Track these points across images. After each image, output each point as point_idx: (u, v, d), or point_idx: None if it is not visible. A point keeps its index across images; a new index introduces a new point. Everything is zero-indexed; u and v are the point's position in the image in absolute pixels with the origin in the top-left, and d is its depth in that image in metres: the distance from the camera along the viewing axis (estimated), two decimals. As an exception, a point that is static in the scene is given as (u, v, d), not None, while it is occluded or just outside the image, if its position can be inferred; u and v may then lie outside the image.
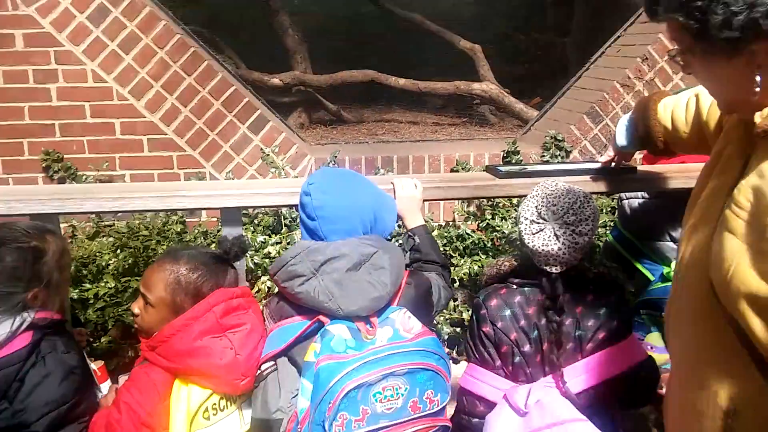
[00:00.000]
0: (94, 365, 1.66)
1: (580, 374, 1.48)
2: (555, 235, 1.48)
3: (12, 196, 1.66)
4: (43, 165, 3.20)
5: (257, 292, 2.67)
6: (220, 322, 1.47)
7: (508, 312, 1.50)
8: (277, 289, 1.56)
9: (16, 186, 3.07)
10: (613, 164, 1.91)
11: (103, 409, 1.57)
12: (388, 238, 1.70)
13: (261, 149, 3.38)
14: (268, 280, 2.61)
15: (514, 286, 1.54)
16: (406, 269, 1.59)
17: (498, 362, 1.52)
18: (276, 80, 5.20)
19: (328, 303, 1.41)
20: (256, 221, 3.12)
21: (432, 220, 3.32)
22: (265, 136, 3.40)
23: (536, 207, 1.53)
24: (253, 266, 2.74)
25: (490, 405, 1.50)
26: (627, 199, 2.15)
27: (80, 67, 3.14)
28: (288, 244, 2.89)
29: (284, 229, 3.05)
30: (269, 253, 2.82)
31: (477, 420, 1.53)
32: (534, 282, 1.52)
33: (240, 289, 1.60)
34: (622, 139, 1.77)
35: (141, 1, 3.16)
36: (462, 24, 6.20)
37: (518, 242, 1.63)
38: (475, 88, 5.29)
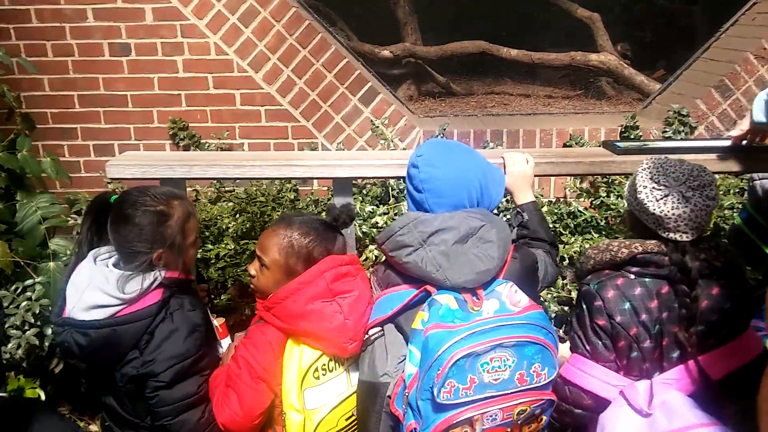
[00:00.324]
0: (216, 322, 1.77)
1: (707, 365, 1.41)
2: (683, 197, 1.40)
3: (145, 161, 1.80)
4: (170, 132, 3.42)
5: (365, 260, 2.74)
6: (330, 287, 1.53)
7: (627, 305, 1.43)
8: (384, 258, 1.60)
9: (148, 152, 3.30)
10: (744, 141, 1.78)
11: (221, 366, 1.69)
12: (495, 212, 1.68)
13: (371, 121, 3.43)
14: (376, 248, 2.67)
15: (632, 276, 1.45)
16: (512, 244, 1.58)
17: (612, 356, 1.46)
18: (386, 52, 5.22)
19: (435, 273, 1.44)
20: (364, 191, 3.19)
21: (542, 195, 3.25)
22: (375, 108, 3.44)
23: (651, 177, 1.45)
24: (361, 235, 2.80)
25: (600, 400, 1.46)
26: (759, 179, 2.00)
27: (204, 40, 3.31)
28: (395, 214, 2.94)
29: (392, 200, 3.10)
30: (377, 222, 2.87)
31: (580, 411, 1.50)
32: (657, 273, 1.43)
33: (348, 256, 1.65)
34: (760, 115, 1.64)
35: (260, -25, 3.27)
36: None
37: (633, 218, 1.54)
38: (592, 59, 5.05)
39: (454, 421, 1.35)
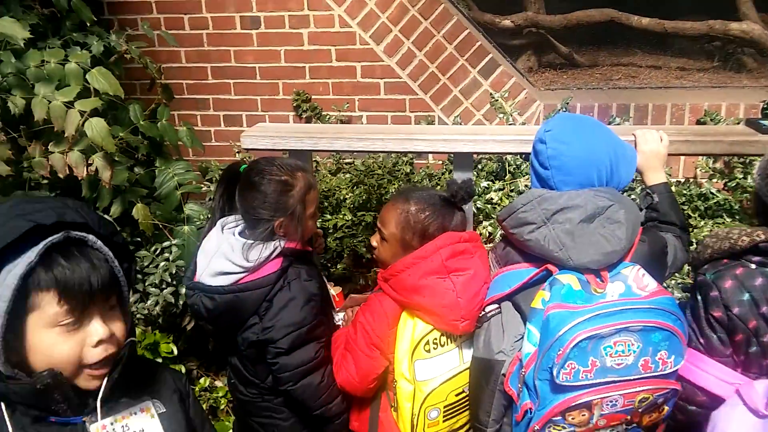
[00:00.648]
0: (333, 291, 1.85)
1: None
2: None
3: (276, 133, 1.89)
4: (294, 105, 3.54)
5: (479, 235, 2.74)
6: (445, 264, 1.54)
7: (746, 296, 1.33)
8: (499, 235, 1.59)
9: (278, 124, 3.45)
10: None
11: (343, 328, 1.76)
12: (622, 191, 1.61)
13: (490, 94, 3.38)
14: (490, 225, 2.65)
15: (753, 266, 1.35)
16: (641, 226, 1.52)
17: (728, 351, 1.38)
18: (507, 22, 5.07)
19: (558, 252, 1.40)
20: (480, 166, 3.16)
21: (670, 175, 3.07)
22: (494, 80, 3.38)
23: None
24: (475, 211, 2.79)
25: (714, 397, 1.38)
26: None
27: (328, 12, 3.38)
28: (511, 191, 2.89)
29: (508, 175, 3.05)
30: (491, 198, 2.84)
31: (694, 408, 1.43)
32: None
33: (468, 233, 1.64)
34: None
35: (385, -54, 3.28)
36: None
37: (760, 203, 1.43)
38: (733, 29, 4.65)
39: (573, 404, 1.33)
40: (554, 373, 1.31)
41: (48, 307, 0.95)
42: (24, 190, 2.26)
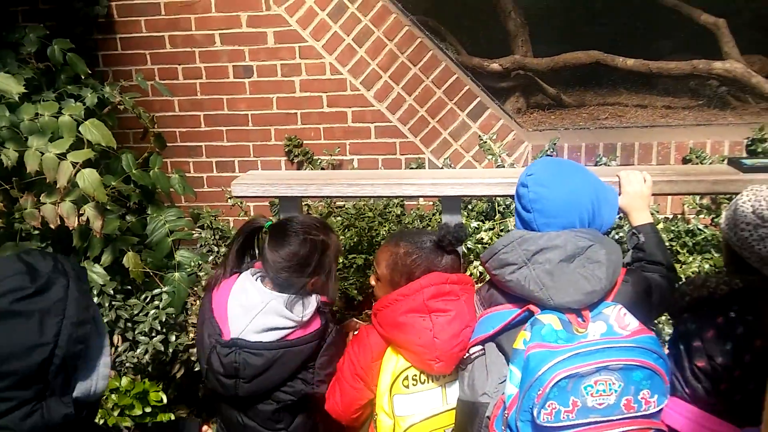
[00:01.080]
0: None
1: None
2: None
3: (266, 180, 1.92)
4: (286, 150, 3.59)
5: (469, 276, 2.74)
6: (426, 303, 1.56)
7: (729, 346, 1.34)
8: (488, 277, 1.61)
9: (268, 171, 3.49)
10: None
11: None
12: (608, 231, 1.63)
13: (479, 136, 3.43)
14: (480, 265, 2.67)
15: (733, 314, 1.37)
16: (625, 267, 1.53)
17: (713, 400, 1.37)
18: (495, 65, 5.18)
19: (538, 292, 1.42)
20: (470, 207, 3.19)
21: (657, 212, 3.10)
22: (483, 123, 3.44)
23: (755, 211, 1.36)
24: (465, 251, 2.81)
25: None
26: None
27: (320, 60, 3.45)
28: (501, 230, 2.91)
29: (498, 215, 3.08)
30: (482, 239, 2.86)
31: None
32: (759, 310, 1.34)
33: (457, 276, 1.66)
34: None
35: (374, -5, 3.37)
36: (703, -4, 5.59)
37: (731, 253, 1.45)
38: (716, 68, 4.75)
39: None
40: (535, 413, 1.31)
41: None
42: (15, 242, 2.27)
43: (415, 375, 1.59)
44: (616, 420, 1.33)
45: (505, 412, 1.40)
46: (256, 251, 1.80)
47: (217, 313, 1.66)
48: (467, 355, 1.54)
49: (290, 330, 1.62)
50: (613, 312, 1.41)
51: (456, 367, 1.59)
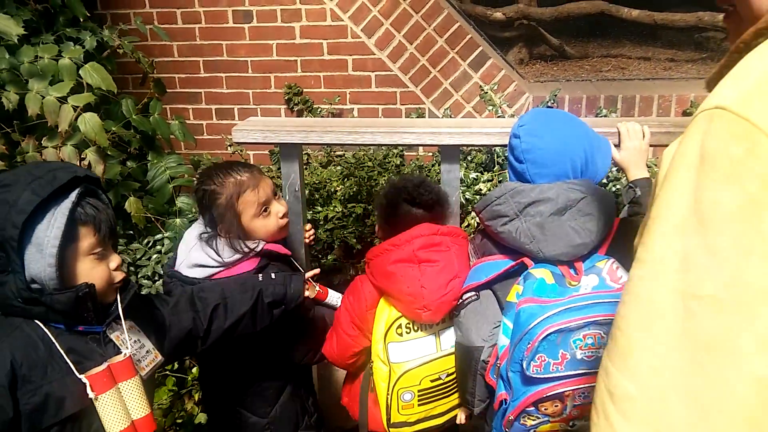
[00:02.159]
0: (317, 287, 1.85)
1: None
2: None
3: (266, 127, 1.92)
4: (285, 98, 3.57)
5: (466, 226, 2.77)
6: (415, 253, 1.59)
7: None
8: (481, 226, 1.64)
9: (269, 118, 3.46)
10: None
11: None
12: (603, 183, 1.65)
13: (480, 87, 3.41)
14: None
15: None
16: (618, 218, 1.56)
17: None
18: (499, 14, 5.10)
19: (529, 245, 1.44)
20: (469, 158, 3.20)
21: (655, 165, 3.12)
22: (484, 73, 3.42)
23: None
24: (464, 201, 2.83)
25: None
26: None
27: (320, 6, 3.40)
28: (499, 182, 2.93)
29: (496, 167, 3.09)
30: (480, 189, 2.88)
31: None
32: None
33: (448, 228, 1.69)
34: None
35: (376, -60, 3.30)
36: (713, -55, 5.46)
37: None
38: (721, 20, 4.69)
39: (544, 395, 1.38)
40: (524, 365, 1.36)
41: (86, 239, 1.23)
42: (18, 184, 2.29)
43: (408, 323, 1.63)
44: None
45: (498, 361, 1.44)
46: None
47: (176, 249, 1.78)
48: (460, 301, 1.58)
49: (216, 270, 1.68)
50: (606, 265, 1.43)
51: (449, 314, 1.64)
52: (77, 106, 2.15)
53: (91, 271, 1.25)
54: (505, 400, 1.43)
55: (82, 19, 2.69)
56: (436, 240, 1.62)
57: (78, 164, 2.21)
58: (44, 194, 1.16)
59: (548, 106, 3.24)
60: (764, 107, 0.59)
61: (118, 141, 2.55)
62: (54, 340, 1.22)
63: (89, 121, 2.14)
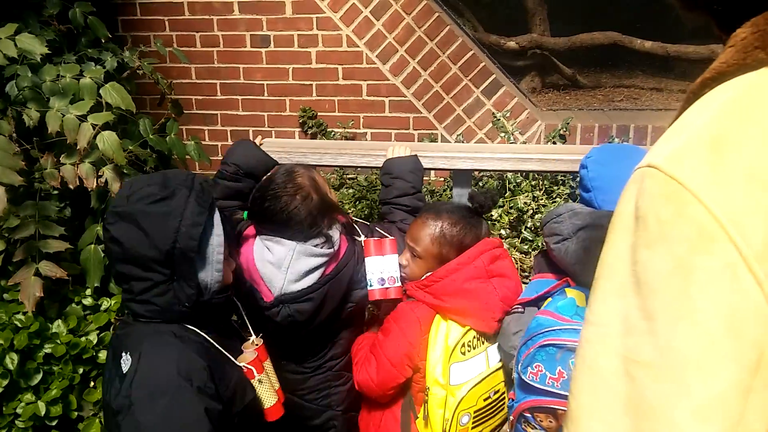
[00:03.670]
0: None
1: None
2: None
3: (281, 148, 1.95)
4: (300, 121, 3.62)
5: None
6: (487, 268, 1.61)
7: None
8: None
9: (284, 140, 3.51)
10: None
11: (367, 332, 1.82)
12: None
13: (492, 113, 3.44)
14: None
15: None
16: None
17: None
18: (512, 43, 5.16)
19: (572, 266, 1.47)
20: (480, 184, 3.22)
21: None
22: (497, 100, 3.45)
23: None
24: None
25: None
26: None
27: (337, 32, 3.46)
28: (510, 208, 2.94)
29: (508, 193, 3.10)
30: (491, 215, 2.89)
31: None
32: None
33: (497, 240, 1.72)
34: None
35: (393, -31, 3.36)
36: (726, -21, 5.51)
37: None
38: (734, 53, 4.72)
39: (537, 406, 1.40)
40: (520, 369, 1.40)
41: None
42: (35, 201, 2.32)
43: (470, 341, 1.63)
44: None
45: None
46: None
47: (247, 282, 1.67)
48: (507, 311, 1.62)
49: (324, 266, 1.66)
50: None
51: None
52: (96, 125, 2.18)
53: (228, 272, 1.40)
54: (512, 399, 1.48)
55: (103, 41, 2.75)
56: (497, 253, 1.66)
57: (95, 182, 2.24)
58: (206, 206, 1.29)
59: (561, 134, 3.26)
60: (694, 166, 0.56)
61: (135, 159, 2.59)
62: (211, 340, 1.34)
63: (108, 140, 2.17)
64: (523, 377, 1.38)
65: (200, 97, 3.70)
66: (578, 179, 1.64)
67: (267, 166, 1.89)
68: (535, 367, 1.37)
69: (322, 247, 1.65)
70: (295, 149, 1.95)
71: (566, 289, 1.47)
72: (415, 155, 1.88)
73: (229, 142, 3.76)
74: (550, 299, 1.49)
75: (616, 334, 0.59)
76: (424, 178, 3.44)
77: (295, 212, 1.63)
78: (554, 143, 3.22)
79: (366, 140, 3.59)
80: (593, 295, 0.64)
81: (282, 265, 1.63)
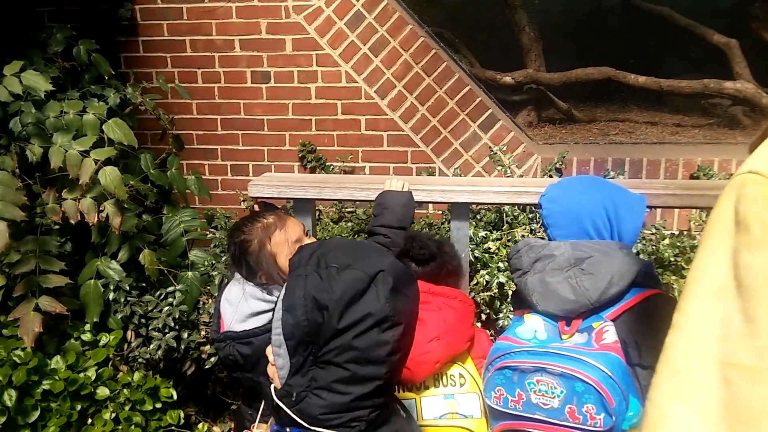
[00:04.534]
0: None
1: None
2: None
3: (281, 183, 1.97)
4: (299, 155, 3.65)
5: (475, 284, 2.78)
6: None
7: None
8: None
9: (284, 174, 3.54)
10: None
11: None
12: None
13: (489, 147, 3.48)
14: (487, 273, 2.71)
15: None
16: (655, 289, 1.49)
17: None
18: (508, 78, 5.25)
19: (530, 297, 1.52)
20: (478, 216, 3.23)
21: (664, 228, 3.14)
22: (494, 134, 3.50)
23: None
24: (473, 260, 2.85)
25: None
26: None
27: (336, 68, 3.52)
28: (509, 241, 2.95)
29: (505, 226, 3.12)
30: (489, 248, 2.90)
31: None
32: None
33: (444, 288, 1.74)
34: None
35: (392, 6, 3.43)
36: (717, 17, 5.64)
37: None
38: (727, 87, 4.80)
39: (508, 428, 1.44)
40: (484, 394, 1.47)
41: None
42: (35, 235, 2.34)
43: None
44: (564, 426, 1.36)
45: None
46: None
47: (216, 313, 1.73)
48: None
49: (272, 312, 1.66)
50: (599, 326, 1.43)
51: (434, 381, 1.63)
52: (99, 160, 2.21)
53: None
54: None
55: (106, 77, 2.80)
56: (426, 298, 1.65)
57: (96, 216, 2.26)
58: None
59: (557, 168, 3.30)
60: None
61: (136, 194, 2.61)
62: None
63: (109, 175, 2.20)
64: (487, 401, 1.45)
65: (201, 132, 3.74)
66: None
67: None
68: (497, 390, 1.43)
69: (269, 293, 1.66)
70: (296, 183, 1.97)
71: (526, 315, 1.53)
72: (410, 192, 1.88)
73: (229, 176, 3.79)
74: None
75: (713, 337, 0.58)
76: (422, 212, 3.48)
77: (234, 254, 1.70)
78: (551, 177, 3.25)
79: (365, 174, 3.63)
80: (684, 299, 0.63)
81: (233, 302, 1.68)
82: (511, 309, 2.51)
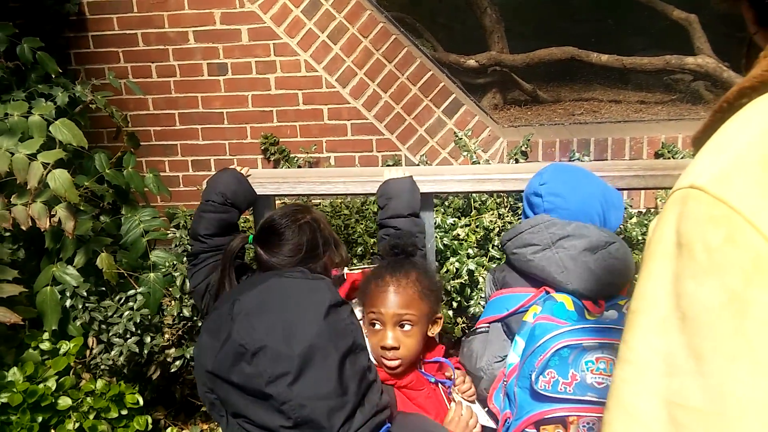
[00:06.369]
0: None
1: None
2: None
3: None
4: (262, 148, 3.58)
5: (446, 272, 2.76)
6: None
7: None
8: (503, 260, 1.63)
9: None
10: None
11: None
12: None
13: (454, 133, 3.45)
14: (457, 260, 2.68)
15: None
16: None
17: None
18: (472, 61, 5.21)
19: (559, 275, 1.47)
20: (446, 203, 3.21)
21: (630, 206, 3.15)
22: (458, 119, 3.46)
23: None
24: (442, 247, 2.82)
25: None
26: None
27: (295, 58, 3.44)
28: (477, 227, 2.93)
29: (474, 212, 3.10)
30: (458, 235, 2.88)
31: None
32: None
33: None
34: None
35: (348, -8, 3.36)
36: (676, -8, 5.67)
37: None
38: (688, 63, 4.84)
39: (548, 416, 1.35)
40: (533, 378, 1.34)
41: None
42: (-14, 243, 2.24)
43: None
44: None
45: (505, 380, 1.45)
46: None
47: None
48: (473, 329, 1.60)
49: None
50: (627, 304, 1.44)
51: None
52: (47, 163, 2.12)
53: None
54: (509, 419, 1.42)
55: (54, 76, 2.69)
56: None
57: (48, 221, 2.17)
58: None
59: (522, 151, 3.28)
60: (745, 188, 0.50)
61: (91, 196, 2.52)
62: None
63: (59, 178, 2.11)
64: (534, 387, 1.34)
65: (158, 128, 3.64)
66: (529, 204, 1.64)
67: (250, 198, 1.83)
68: (548, 374, 1.34)
69: None
70: (254, 179, 1.91)
71: (554, 294, 1.47)
72: (411, 177, 1.82)
73: (191, 172, 3.70)
74: (538, 307, 1.47)
75: (657, 374, 0.53)
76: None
77: (302, 237, 1.60)
78: (516, 161, 3.23)
79: (330, 165, 3.57)
80: (629, 330, 0.58)
81: None
82: (482, 296, 2.48)
